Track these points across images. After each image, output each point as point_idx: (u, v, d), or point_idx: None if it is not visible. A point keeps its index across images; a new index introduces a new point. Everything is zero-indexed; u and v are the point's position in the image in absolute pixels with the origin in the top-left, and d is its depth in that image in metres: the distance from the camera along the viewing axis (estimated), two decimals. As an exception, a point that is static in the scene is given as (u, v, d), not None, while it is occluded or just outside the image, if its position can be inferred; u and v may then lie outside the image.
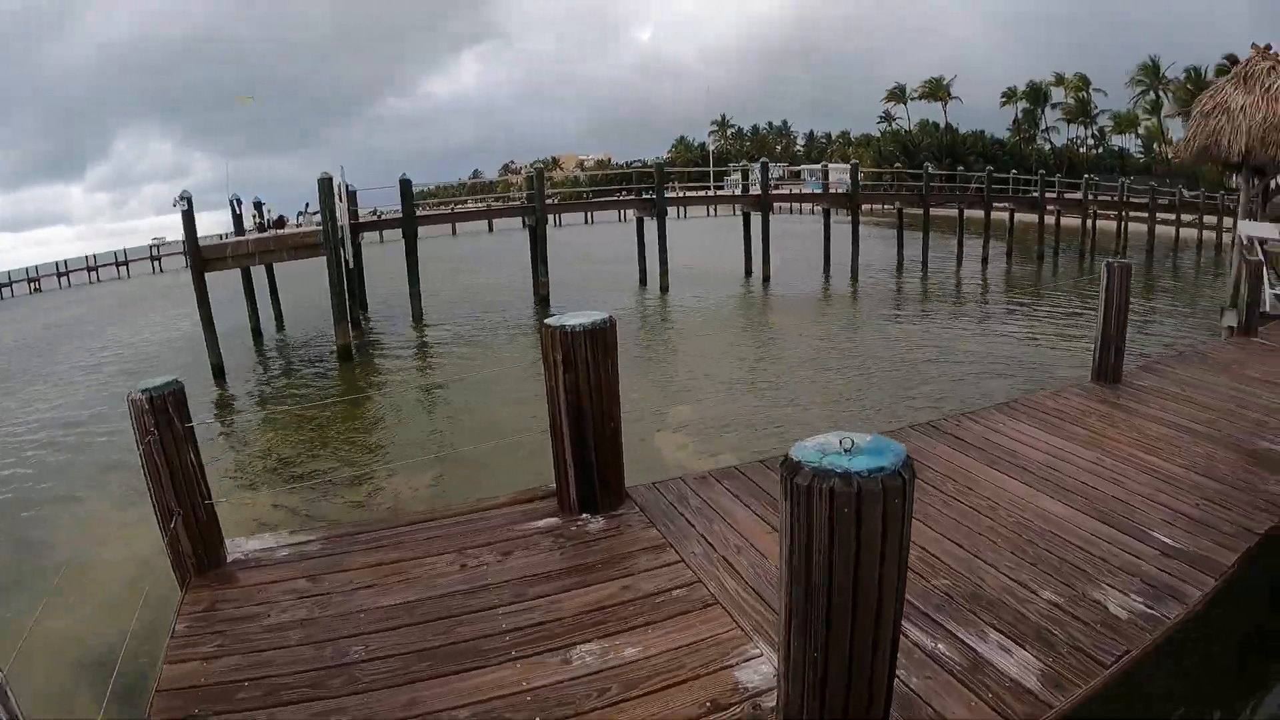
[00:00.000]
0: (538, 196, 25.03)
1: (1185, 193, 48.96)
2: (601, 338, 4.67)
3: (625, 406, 4.87)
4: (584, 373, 4.62)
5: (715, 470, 5.62)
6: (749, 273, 28.83)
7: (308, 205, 25.66)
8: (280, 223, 25.02)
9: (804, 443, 2.52)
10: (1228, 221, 49.60)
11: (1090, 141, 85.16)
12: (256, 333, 20.41)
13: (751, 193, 32.17)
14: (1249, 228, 15.39)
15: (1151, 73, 75.85)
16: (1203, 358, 10.61)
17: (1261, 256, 15.64)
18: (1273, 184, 16.02)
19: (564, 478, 4.88)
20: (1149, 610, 4.04)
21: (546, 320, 4.78)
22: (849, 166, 32.75)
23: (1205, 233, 47.10)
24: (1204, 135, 14.95)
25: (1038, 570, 4.35)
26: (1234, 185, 52.62)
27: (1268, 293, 14.60)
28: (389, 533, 4.75)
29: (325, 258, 17.74)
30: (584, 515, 4.85)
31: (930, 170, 35.29)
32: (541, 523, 4.82)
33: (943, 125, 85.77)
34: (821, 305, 24.93)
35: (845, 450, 2.43)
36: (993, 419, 7.06)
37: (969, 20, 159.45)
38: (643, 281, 26.69)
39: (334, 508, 9.15)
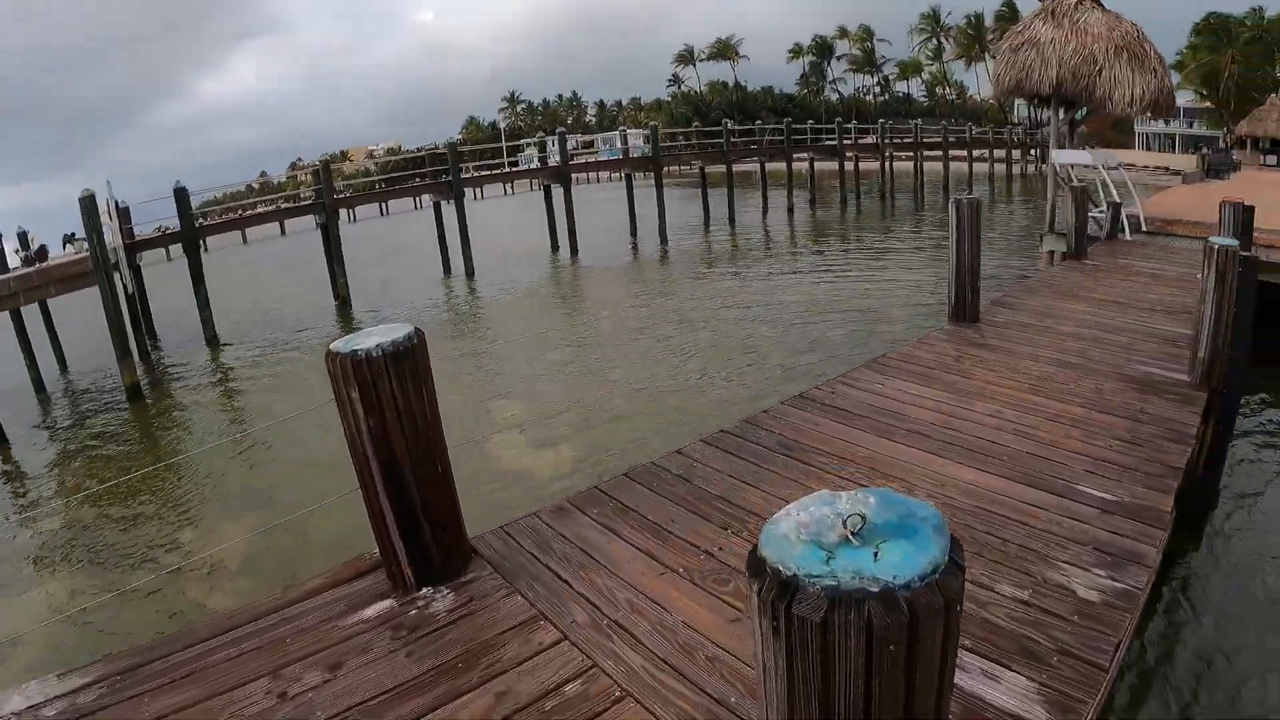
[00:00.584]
0: (325, 191, 23.46)
1: (973, 129, 52.94)
2: (409, 358, 3.60)
3: (447, 415, 3.91)
4: (392, 409, 3.56)
5: (574, 496, 4.77)
6: (556, 248, 28.31)
7: (74, 233, 23.46)
8: (42, 254, 22.93)
9: (776, 526, 1.61)
10: (1016, 154, 54.76)
11: (876, 89, 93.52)
12: (38, 383, 17.69)
13: (550, 165, 31.86)
14: (1063, 156, 16.32)
15: (932, 21, 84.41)
16: (1048, 286, 11.07)
17: (1075, 181, 16.64)
18: (1077, 115, 17.10)
19: (389, 546, 3.80)
20: (1117, 584, 3.71)
21: (333, 345, 3.59)
22: (647, 131, 32.94)
23: (996, 166, 51.41)
24: (1015, 70, 15.69)
25: (986, 561, 3.88)
26: (1015, 120, 58.44)
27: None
28: (187, 655, 3.48)
29: (98, 287, 15.74)
30: (423, 590, 3.80)
31: (730, 126, 36.06)
32: (371, 610, 3.72)
33: (732, 84, 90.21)
34: (635, 272, 24.82)
35: (855, 535, 1.52)
36: (867, 380, 6.71)
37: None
38: (447, 270, 25.49)
39: (127, 616, 7.48)
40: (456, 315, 20.19)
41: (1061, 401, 6.26)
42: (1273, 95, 53.97)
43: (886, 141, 43.77)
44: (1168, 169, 51.46)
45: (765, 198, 36.84)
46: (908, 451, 5.17)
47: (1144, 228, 16.88)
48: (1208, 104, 61.42)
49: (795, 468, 4.89)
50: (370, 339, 3.55)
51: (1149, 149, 74.66)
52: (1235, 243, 6.62)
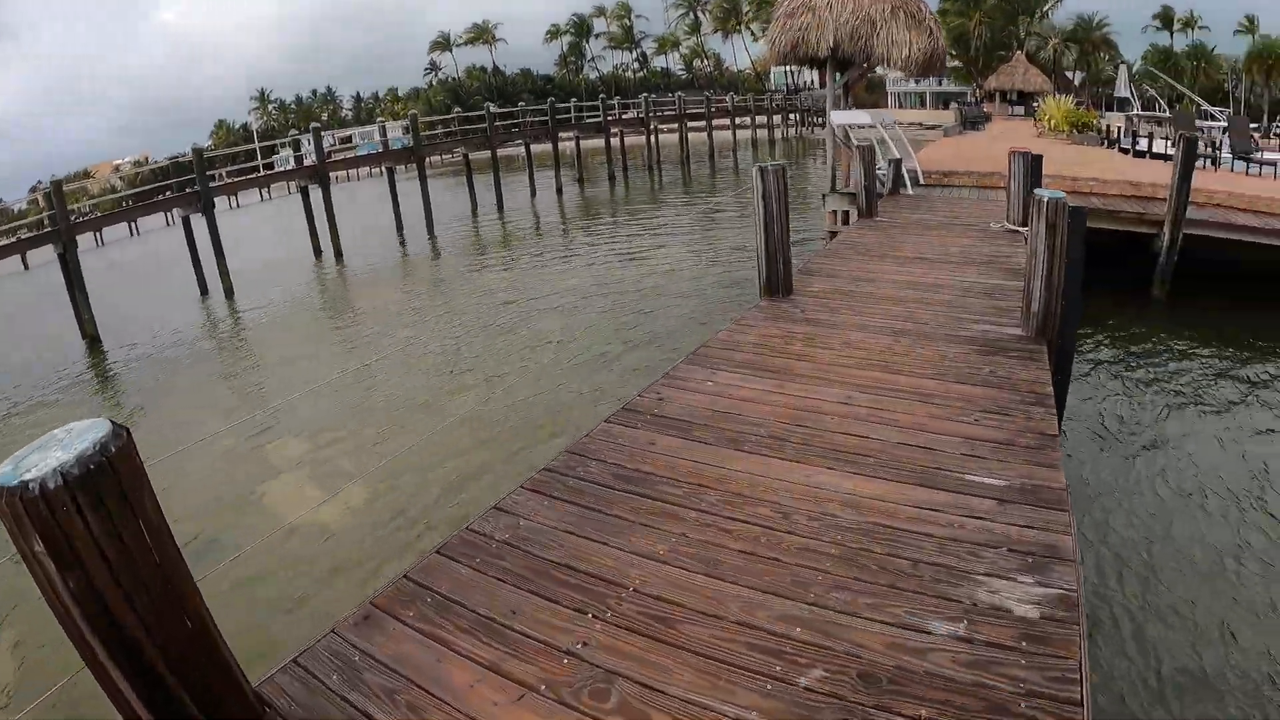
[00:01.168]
0: (59, 217, 20.57)
1: (734, 98, 55.16)
2: (110, 476, 2.31)
3: (211, 477, 2.88)
4: (98, 558, 2.31)
5: (380, 595, 3.65)
6: (319, 253, 26.47)
7: None
8: None
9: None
10: (776, 119, 57.42)
11: (635, 66, 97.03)
12: None
13: (306, 165, 29.89)
14: (841, 116, 16.72)
15: None
16: (851, 248, 11.14)
17: (853, 139, 17.13)
18: (852, 77, 17.64)
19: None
20: (1050, 589, 3.36)
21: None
22: (407, 122, 31.80)
23: (758, 132, 53.99)
24: (791, 34, 15.87)
25: (908, 595, 3.37)
26: (771, 88, 61.58)
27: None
28: None
29: None
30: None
31: (492, 109, 35.36)
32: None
33: (491, 69, 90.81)
34: (406, 271, 23.60)
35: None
36: (694, 378, 6.14)
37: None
38: (204, 290, 23.02)
39: None
40: (217, 340, 18.16)
41: (910, 375, 6.01)
42: (1018, 52, 60.33)
43: (651, 115, 44.50)
44: (921, 124, 55.96)
45: (532, 180, 36.53)
46: (768, 464, 4.61)
47: (921, 181, 17.66)
48: (957, 62, 67.11)
49: (642, 507, 4.16)
50: (49, 457, 2.30)
51: (901, 106, 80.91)
52: (1063, 195, 6.62)
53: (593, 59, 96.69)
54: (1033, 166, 11.87)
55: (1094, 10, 69.31)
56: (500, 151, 35.57)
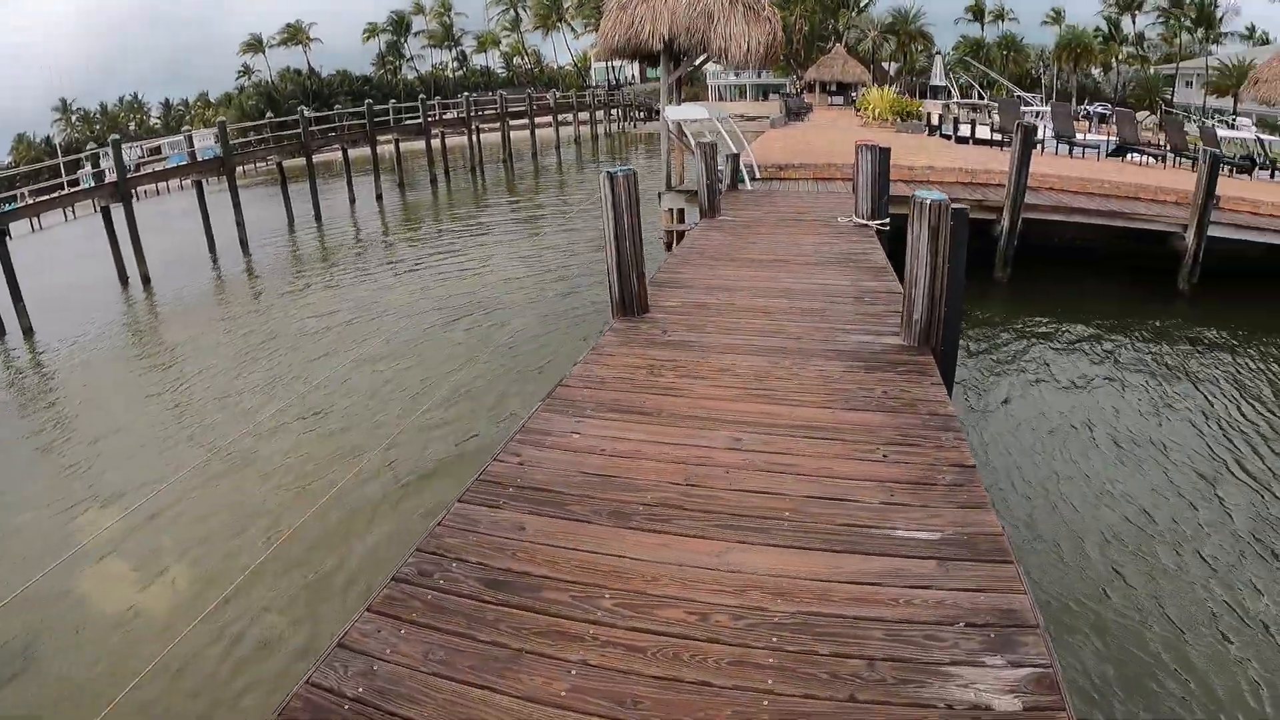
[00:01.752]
0: None
1: (556, 95, 54.71)
2: None
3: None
4: None
5: None
6: (125, 280, 23.95)
7: None
8: None
9: None
10: (600, 115, 57.25)
11: (454, 64, 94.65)
12: None
13: (107, 182, 27.14)
14: (676, 111, 16.29)
15: None
16: (699, 253, 10.66)
17: (690, 138, 16.77)
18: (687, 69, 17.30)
19: None
20: (1023, 669, 2.94)
21: None
22: (214, 130, 29.53)
23: (581, 128, 53.80)
24: (624, 28, 15.36)
25: (872, 711, 2.76)
26: (594, 84, 61.46)
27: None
28: None
29: None
30: None
31: (307, 114, 33.36)
32: None
33: (306, 70, 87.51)
34: (218, 296, 21.49)
35: None
36: (556, 428, 5.33)
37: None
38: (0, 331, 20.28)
39: None
40: (21, 392, 15.80)
41: (798, 404, 5.50)
42: (837, 44, 62.34)
43: (473, 115, 43.40)
44: (744, 116, 56.89)
45: (351, 187, 34.72)
46: (667, 543, 3.88)
47: (758, 175, 17.50)
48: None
49: (526, 624, 3.31)
50: None
51: (722, 99, 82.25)
52: (944, 197, 6.27)
53: (411, 58, 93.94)
54: (881, 160, 11.70)
55: (911, 3, 72.92)
56: (317, 157, 33.78)
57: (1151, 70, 68.46)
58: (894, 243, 12.01)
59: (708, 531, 3.99)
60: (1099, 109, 43.10)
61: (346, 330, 15.44)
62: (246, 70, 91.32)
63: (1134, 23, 71.83)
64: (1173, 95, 63.14)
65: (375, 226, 29.12)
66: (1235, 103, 52.75)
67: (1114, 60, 71.70)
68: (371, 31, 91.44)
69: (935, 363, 6.38)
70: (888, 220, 12.06)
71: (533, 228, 25.15)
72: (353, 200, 34.43)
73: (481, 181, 40.15)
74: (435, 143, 40.59)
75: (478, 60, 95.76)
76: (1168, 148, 24.92)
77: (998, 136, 27.09)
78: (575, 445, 5.02)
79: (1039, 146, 23.71)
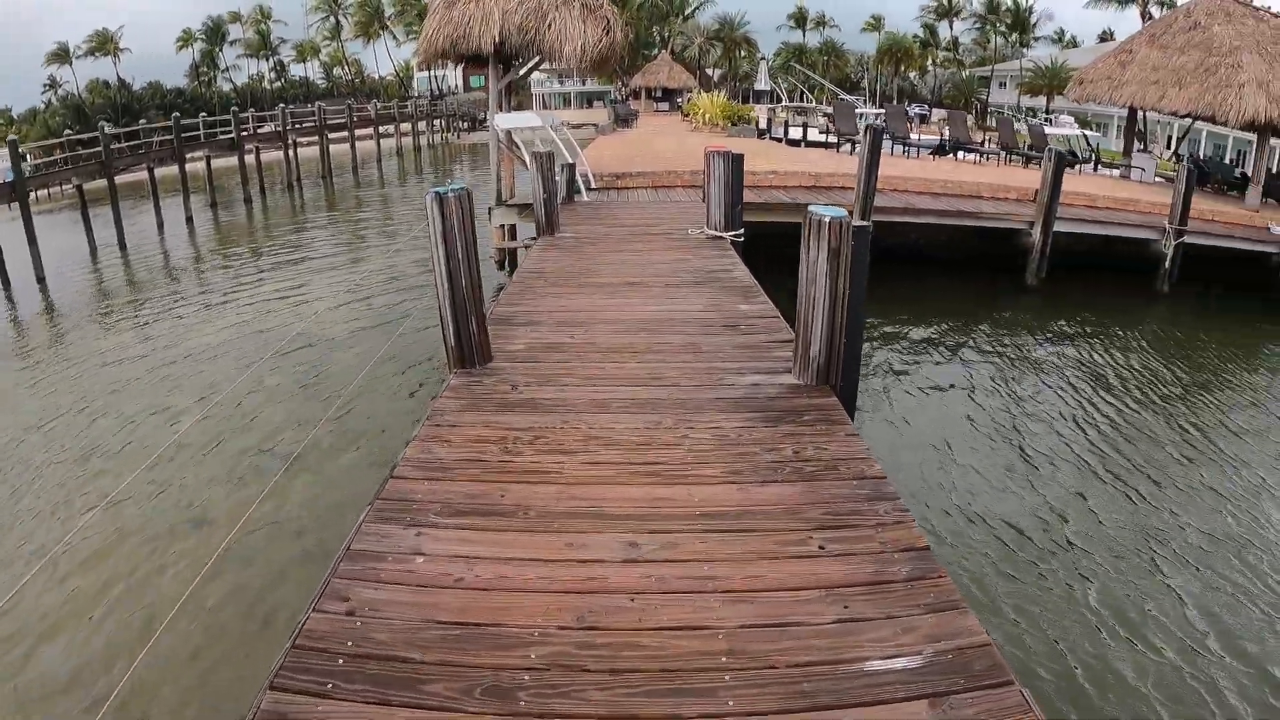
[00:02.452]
0: None
1: (377, 106, 52.48)
2: None
3: None
4: None
5: None
6: None
7: None
8: None
9: None
10: (422, 126, 55.30)
11: (272, 75, 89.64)
12: None
13: None
14: (506, 119, 15.01)
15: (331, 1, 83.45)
16: (541, 278, 9.41)
17: (521, 147, 15.52)
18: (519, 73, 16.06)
19: None
20: None
21: None
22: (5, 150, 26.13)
23: (403, 140, 51.87)
24: (450, 29, 13.89)
25: None
26: (416, 94, 59.38)
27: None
28: None
29: None
30: None
31: (108, 130, 30.15)
32: None
33: (116, 82, 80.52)
34: (8, 343, 18.42)
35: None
36: (393, 552, 3.78)
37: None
38: None
39: None
40: None
41: (698, 481, 4.38)
42: (663, 51, 62.27)
43: (290, 127, 40.76)
44: (568, 124, 56.01)
45: (159, 209, 31.54)
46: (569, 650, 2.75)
47: (594, 185, 16.45)
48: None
49: None
50: None
51: (547, 107, 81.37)
52: (844, 213, 5.30)
53: (227, 69, 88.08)
54: (734, 167, 10.80)
55: (736, 10, 74.11)
56: (126, 178, 30.72)
57: (966, 73, 71.68)
58: (749, 254, 11.26)
59: (629, 707, 2.79)
60: (918, 110, 44.55)
61: (145, 381, 13.17)
62: (53, 83, 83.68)
63: (951, 28, 75.56)
64: (988, 96, 66.25)
65: (186, 253, 26.23)
66: (1048, 101, 55.73)
67: (930, 64, 75.06)
68: (185, 40, 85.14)
69: (841, 405, 5.41)
70: (742, 231, 11.20)
71: (355, 250, 23.12)
72: (161, 225, 31.33)
73: (300, 199, 37.71)
74: (250, 158, 38.04)
75: (297, 71, 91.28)
76: (997, 146, 25.51)
77: (831, 139, 27.08)
78: (422, 576, 3.63)
79: (852, 147, 23.69)
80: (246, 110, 45.02)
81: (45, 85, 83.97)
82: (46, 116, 77.71)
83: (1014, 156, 24.56)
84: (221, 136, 38.27)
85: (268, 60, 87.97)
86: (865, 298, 5.79)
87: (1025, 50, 66.77)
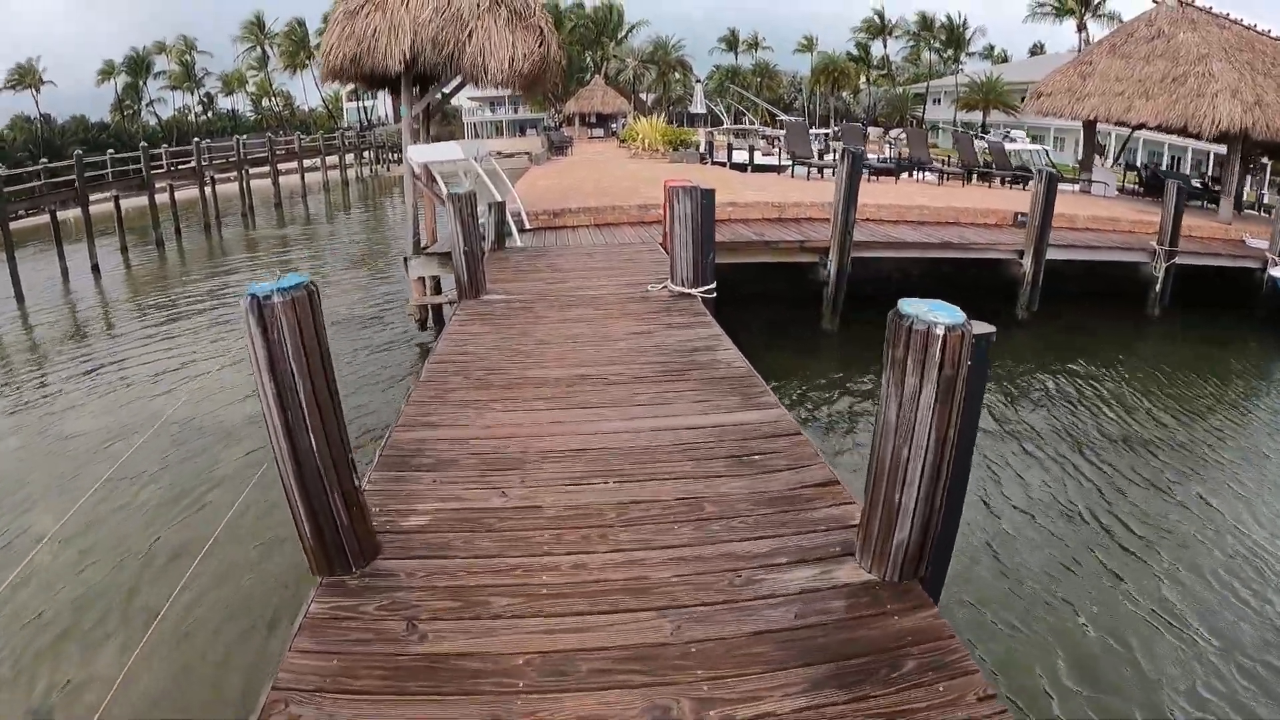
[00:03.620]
0: None
1: (303, 138, 49.75)
2: None
3: None
4: None
5: None
6: None
7: None
8: None
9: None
10: (350, 159, 52.56)
11: (199, 107, 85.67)
12: None
13: None
14: (423, 152, 12.56)
15: (256, 29, 79.62)
16: (461, 372, 6.80)
17: (439, 180, 13.10)
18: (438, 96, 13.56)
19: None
20: None
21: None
22: None
23: (330, 174, 49.33)
24: (353, 42, 11.40)
25: None
26: (344, 126, 56.71)
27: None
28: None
29: None
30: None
31: (3, 172, 27.14)
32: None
33: (39, 116, 76.06)
34: None
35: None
36: None
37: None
38: None
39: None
40: None
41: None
42: (596, 76, 60.13)
43: (207, 163, 37.84)
44: (499, 153, 54.43)
45: (63, 257, 28.20)
46: None
47: (528, 225, 14.07)
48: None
49: None
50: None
51: (479, 136, 78.98)
52: (960, 316, 2.97)
53: (152, 102, 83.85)
54: (705, 206, 8.47)
55: (669, 33, 72.47)
56: (27, 222, 27.54)
57: (900, 90, 70.68)
58: (720, 310, 8.99)
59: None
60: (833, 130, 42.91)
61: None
62: None
63: (885, 46, 74.64)
64: (923, 112, 65.18)
65: (92, 307, 23.03)
66: (984, 116, 54.72)
67: (865, 82, 73.89)
68: (107, 72, 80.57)
69: (947, 625, 3.12)
70: (714, 285, 8.89)
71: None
72: (65, 272, 28.09)
73: (219, 239, 34.74)
74: (164, 197, 35.08)
75: (225, 103, 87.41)
76: (959, 165, 23.73)
77: (783, 161, 25.07)
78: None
79: (824, 172, 21.63)
80: (160, 146, 42.03)
81: None
82: None
83: (983, 178, 22.81)
84: (131, 174, 35.29)
85: (193, 93, 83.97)
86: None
87: (958, 66, 65.94)
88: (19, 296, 24.00)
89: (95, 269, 28.39)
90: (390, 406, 10.54)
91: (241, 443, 10.09)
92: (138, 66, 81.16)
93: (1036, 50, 75.94)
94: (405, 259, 12.51)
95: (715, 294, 8.78)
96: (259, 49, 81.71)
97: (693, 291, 8.62)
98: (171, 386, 13.01)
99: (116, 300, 23.71)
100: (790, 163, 22.82)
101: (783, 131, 40.00)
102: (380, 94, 16.86)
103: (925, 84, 67.24)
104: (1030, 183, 21.81)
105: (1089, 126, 23.81)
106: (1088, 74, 22.23)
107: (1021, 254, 13.88)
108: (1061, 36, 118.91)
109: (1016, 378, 12.21)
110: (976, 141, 27.33)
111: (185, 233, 35.41)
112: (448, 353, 7.14)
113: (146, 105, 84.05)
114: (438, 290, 12.68)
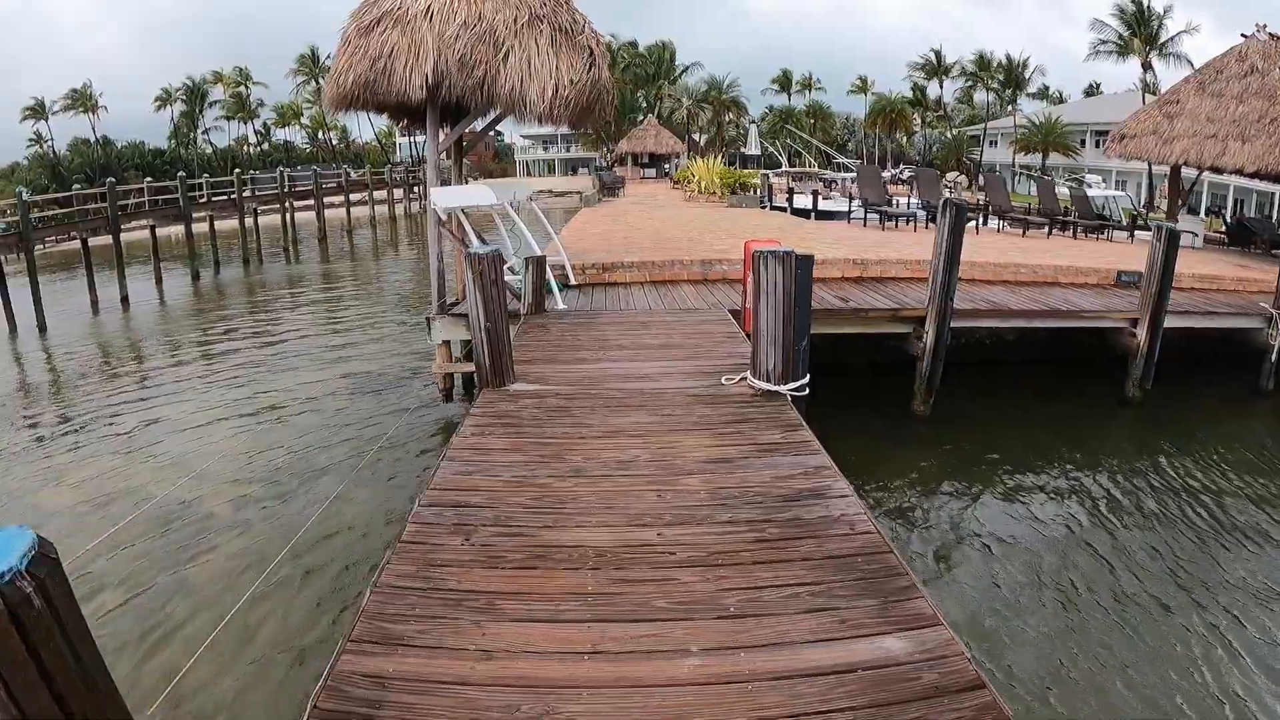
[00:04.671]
0: None
1: (351, 173, 48.62)
2: None
3: None
4: None
5: None
6: None
7: None
8: None
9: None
10: (399, 194, 51.32)
11: (254, 138, 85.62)
12: None
13: None
14: (447, 196, 10.58)
15: (311, 62, 79.12)
16: (456, 528, 4.63)
17: (468, 228, 11.12)
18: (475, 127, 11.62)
19: None
20: None
21: None
22: None
23: (378, 209, 48.04)
24: (366, 63, 9.48)
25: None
26: (396, 160, 55.66)
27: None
28: None
29: None
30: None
31: (25, 197, 25.90)
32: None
33: (95, 139, 76.67)
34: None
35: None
36: None
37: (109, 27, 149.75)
38: None
39: None
40: None
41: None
42: (649, 115, 58.61)
43: (246, 195, 36.72)
44: (551, 192, 53.45)
45: (93, 288, 26.76)
46: None
47: (573, 281, 12.05)
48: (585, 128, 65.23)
49: None
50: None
51: (530, 175, 78.04)
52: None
53: (208, 130, 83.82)
54: (800, 275, 6.36)
55: (724, 73, 70.96)
56: (60, 248, 26.31)
57: (954, 132, 68.21)
58: (813, 410, 6.87)
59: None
60: (907, 172, 40.71)
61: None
62: (39, 139, 79.34)
63: (941, 87, 72.07)
64: (981, 155, 62.59)
65: (95, 345, 21.25)
66: (1044, 158, 52.17)
67: (920, 124, 71.39)
68: (164, 99, 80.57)
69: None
70: (807, 381, 6.77)
71: (291, 354, 18.21)
72: (95, 304, 26.56)
73: (259, 270, 33.31)
74: (203, 226, 33.96)
75: (281, 135, 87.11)
76: (1039, 213, 21.45)
77: (850, 207, 22.94)
78: None
79: (898, 221, 19.44)
80: (212, 174, 41.25)
81: (30, 140, 79.87)
82: (24, 172, 73.82)
83: (1072, 227, 20.55)
84: (165, 203, 34.21)
85: (248, 123, 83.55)
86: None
87: (1015, 107, 63.32)
88: (41, 326, 22.50)
89: (124, 300, 26.98)
90: (384, 517, 8.56)
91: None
92: (193, 96, 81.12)
93: (1093, 90, 73.16)
94: (428, 319, 10.52)
95: (807, 391, 6.66)
96: (313, 82, 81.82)
97: (779, 388, 6.49)
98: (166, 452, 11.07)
99: (147, 335, 21.90)
100: (859, 209, 20.68)
101: (842, 175, 38.13)
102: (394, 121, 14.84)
103: (983, 125, 64.69)
104: (1109, 231, 19.71)
105: (1174, 170, 21.51)
106: (1174, 114, 20.02)
107: (1134, 322, 11.61)
108: (1116, 75, 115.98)
109: (1134, 474, 9.91)
110: (1058, 188, 25.05)
111: (224, 265, 34.12)
112: (449, 485, 4.99)
113: (203, 133, 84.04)
114: (468, 355, 10.65)
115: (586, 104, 9.81)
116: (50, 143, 79.16)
